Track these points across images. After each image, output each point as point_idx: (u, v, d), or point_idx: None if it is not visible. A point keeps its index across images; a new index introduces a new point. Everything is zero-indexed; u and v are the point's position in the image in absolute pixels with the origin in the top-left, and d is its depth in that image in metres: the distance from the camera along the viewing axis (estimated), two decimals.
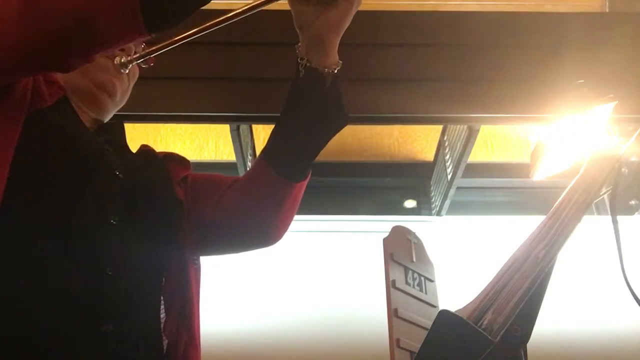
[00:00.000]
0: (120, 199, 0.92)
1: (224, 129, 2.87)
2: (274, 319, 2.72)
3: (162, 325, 0.95)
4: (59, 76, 0.95)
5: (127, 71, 1.05)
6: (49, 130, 0.88)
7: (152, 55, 1.00)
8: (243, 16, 0.88)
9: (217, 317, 2.58)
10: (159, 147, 1.20)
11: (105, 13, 0.74)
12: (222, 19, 0.90)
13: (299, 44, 0.99)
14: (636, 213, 3.07)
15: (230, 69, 2.04)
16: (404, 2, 2.20)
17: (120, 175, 0.94)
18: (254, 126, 3.06)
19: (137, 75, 1.12)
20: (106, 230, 0.88)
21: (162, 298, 0.97)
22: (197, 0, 0.78)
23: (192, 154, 3.09)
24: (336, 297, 2.78)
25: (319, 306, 2.77)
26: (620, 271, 0.88)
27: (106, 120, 1.09)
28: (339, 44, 1.00)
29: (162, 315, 0.96)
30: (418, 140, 3.29)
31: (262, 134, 3.20)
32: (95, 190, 0.89)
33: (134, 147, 1.13)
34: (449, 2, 2.42)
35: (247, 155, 3.01)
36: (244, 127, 2.82)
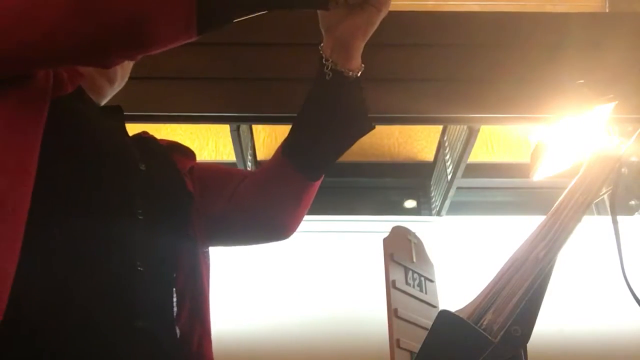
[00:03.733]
0: (144, 194, 0.90)
1: (224, 129, 2.87)
2: (273, 318, 2.72)
3: (174, 317, 0.94)
4: None
5: None
6: (74, 119, 0.85)
7: None
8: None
9: (215, 316, 2.58)
10: None
11: (161, 17, 0.73)
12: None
13: (322, 45, 0.98)
14: (636, 213, 3.07)
15: (230, 69, 2.04)
16: (405, 2, 2.20)
17: (142, 168, 0.93)
18: (254, 126, 3.06)
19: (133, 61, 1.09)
20: (134, 226, 0.86)
21: (174, 290, 0.96)
22: (250, 10, 0.78)
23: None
24: (336, 297, 2.78)
25: (319, 306, 2.77)
26: (620, 271, 0.88)
27: (102, 103, 1.06)
28: None
29: (174, 308, 0.95)
30: (418, 140, 3.29)
31: (262, 133, 3.20)
32: (123, 185, 0.87)
33: None
34: (449, 2, 2.42)
35: (247, 155, 3.01)
36: (244, 127, 2.83)
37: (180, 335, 0.94)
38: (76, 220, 0.79)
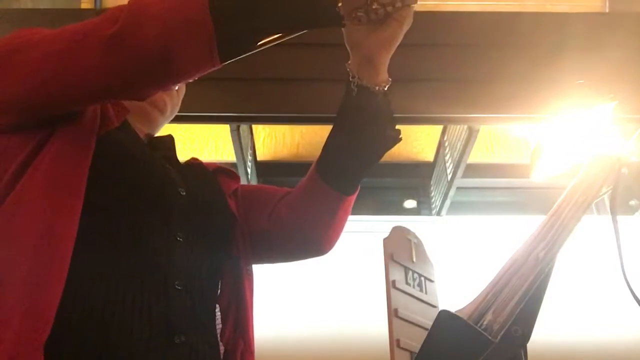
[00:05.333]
0: (183, 216, 0.96)
1: (224, 129, 2.87)
2: (272, 318, 2.72)
3: (218, 333, 0.99)
4: None
5: (177, 87, 1.11)
6: (119, 152, 0.92)
7: None
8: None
9: None
10: None
11: (185, 48, 0.79)
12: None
13: (350, 62, 1.00)
14: (636, 213, 3.07)
15: (231, 69, 2.03)
16: None
17: (183, 193, 0.98)
18: (254, 126, 3.07)
19: (184, 91, 1.18)
20: (173, 247, 0.92)
21: (217, 307, 1.01)
22: (268, 35, 0.84)
23: (192, 154, 3.08)
24: (336, 297, 2.78)
25: (319, 306, 2.78)
26: (620, 271, 0.88)
27: (156, 133, 1.15)
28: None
29: (218, 324, 1.00)
30: (418, 140, 3.30)
31: (262, 133, 3.21)
32: (163, 210, 0.93)
33: None
34: (449, 2, 2.42)
35: (247, 155, 3.01)
36: (244, 127, 2.83)
37: (224, 351, 0.99)
38: (117, 247, 0.86)
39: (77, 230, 0.80)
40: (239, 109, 2.06)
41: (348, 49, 1.00)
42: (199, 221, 0.99)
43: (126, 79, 0.82)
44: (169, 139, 1.17)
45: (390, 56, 1.00)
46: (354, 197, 1.10)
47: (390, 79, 1.02)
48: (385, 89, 1.01)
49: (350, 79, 0.99)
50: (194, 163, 1.17)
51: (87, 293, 0.81)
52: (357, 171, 1.07)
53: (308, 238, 1.12)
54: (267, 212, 1.11)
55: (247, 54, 0.86)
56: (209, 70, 0.84)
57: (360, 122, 1.01)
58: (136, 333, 0.82)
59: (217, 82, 2.03)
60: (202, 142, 3.16)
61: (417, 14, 0.97)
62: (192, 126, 3.00)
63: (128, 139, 0.97)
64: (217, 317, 1.01)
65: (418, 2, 0.94)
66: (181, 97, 1.18)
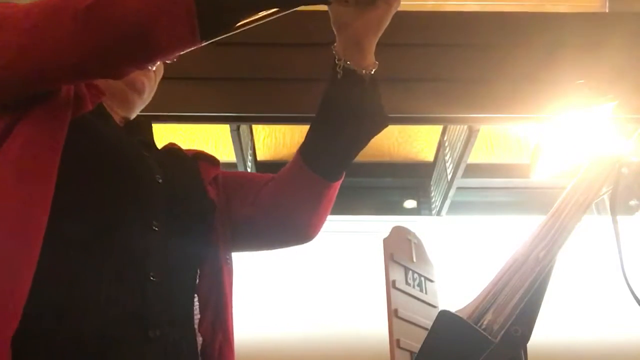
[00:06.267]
0: (160, 205, 0.92)
1: (224, 129, 2.87)
2: (272, 318, 2.72)
3: (196, 324, 0.95)
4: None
5: (154, 68, 1.06)
6: (93, 137, 0.88)
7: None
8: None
9: None
10: None
11: (164, 24, 0.76)
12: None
13: (335, 44, 0.98)
14: (636, 213, 3.07)
15: (231, 69, 2.04)
16: (404, 2, 2.19)
17: (160, 180, 0.94)
18: (254, 126, 3.07)
19: (162, 72, 1.12)
20: (149, 237, 0.88)
21: (195, 297, 0.97)
22: (251, 12, 0.80)
23: None
24: (336, 298, 2.78)
25: (319, 306, 2.77)
26: (621, 271, 0.88)
27: (133, 117, 1.09)
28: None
29: (196, 314, 0.96)
30: (418, 141, 3.30)
31: (262, 133, 3.21)
32: (138, 198, 0.89)
33: None
34: (449, 2, 2.42)
35: (247, 155, 3.02)
36: (244, 127, 2.83)
37: (202, 343, 0.95)
38: (89, 236, 0.82)
39: (48, 219, 0.75)
40: (239, 109, 2.06)
41: (334, 30, 0.97)
42: (177, 209, 0.94)
43: (102, 55, 0.78)
44: (146, 123, 1.10)
45: (377, 38, 0.97)
46: (339, 183, 1.07)
47: (377, 62, 0.99)
48: (372, 72, 0.98)
49: (336, 62, 0.96)
50: (172, 148, 1.12)
51: (57, 284, 0.77)
52: (343, 157, 1.04)
53: (292, 225, 1.09)
54: (250, 199, 1.08)
55: (229, 34, 0.81)
56: (190, 48, 0.80)
57: (347, 106, 0.98)
58: (109, 327, 0.78)
59: (217, 82, 2.03)
60: (202, 142, 3.16)
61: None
62: (192, 126, 3.00)
63: (103, 123, 0.93)
64: (195, 308, 0.97)
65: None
66: (159, 79, 1.11)
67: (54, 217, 0.76)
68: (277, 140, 3.22)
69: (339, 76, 0.97)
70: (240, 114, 2.08)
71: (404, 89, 2.00)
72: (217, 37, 0.81)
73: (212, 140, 3.18)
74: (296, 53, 2.05)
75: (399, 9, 0.99)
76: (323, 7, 0.91)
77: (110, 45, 0.77)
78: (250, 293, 2.71)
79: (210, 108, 2.03)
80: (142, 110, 1.11)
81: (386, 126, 1.02)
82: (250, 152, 3.08)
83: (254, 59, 2.05)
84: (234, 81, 2.04)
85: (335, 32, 0.97)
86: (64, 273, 0.78)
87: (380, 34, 0.97)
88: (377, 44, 0.99)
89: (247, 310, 2.67)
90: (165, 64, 1.04)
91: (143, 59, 0.84)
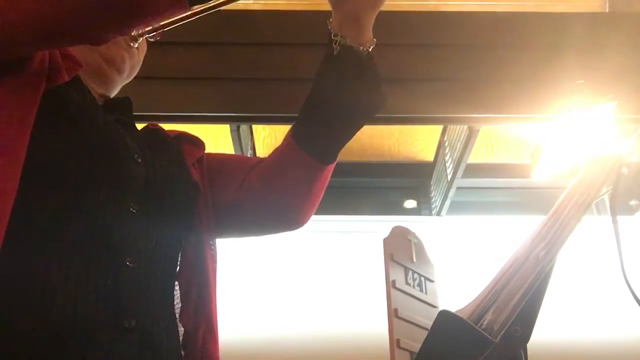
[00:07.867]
0: (138, 186, 0.87)
1: (224, 129, 2.87)
2: (272, 318, 2.72)
3: (177, 314, 0.90)
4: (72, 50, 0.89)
5: (137, 45, 1.01)
6: (67, 110, 0.83)
7: (162, 30, 0.95)
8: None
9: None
10: None
11: None
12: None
13: (331, 20, 0.94)
14: (636, 213, 3.07)
15: (231, 69, 2.04)
16: (405, 2, 2.20)
17: (139, 160, 0.89)
18: (254, 126, 3.06)
19: (145, 50, 1.07)
20: (125, 220, 0.82)
21: (176, 285, 0.92)
22: None
23: None
24: (336, 297, 2.78)
25: (319, 306, 2.77)
26: (620, 271, 0.88)
27: (112, 95, 1.04)
28: None
29: (177, 303, 0.91)
30: (418, 140, 3.29)
31: (262, 133, 3.20)
32: (115, 178, 0.84)
33: None
34: (449, 2, 2.41)
35: (247, 155, 3.01)
36: (244, 127, 2.83)
37: (184, 332, 0.90)
38: (61, 217, 0.76)
39: (16, 197, 0.70)
40: (239, 109, 2.05)
41: (330, 5, 0.93)
42: (156, 191, 0.89)
43: (82, 16, 0.73)
44: (126, 102, 1.03)
45: (376, 14, 0.93)
46: (332, 166, 1.02)
47: (375, 40, 0.95)
48: (370, 49, 0.94)
49: (333, 37, 0.92)
50: (152, 129, 1.06)
51: (25, 269, 0.71)
52: (338, 138, 1.00)
53: (282, 210, 1.04)
54: (237, 182, 1.03)
55: (217, 2, 0.78)
56: (177, 16, 0.76)
57: (343, 84, 0.93)
58: (80, 316, 0.72)
59: (217, 82, 2.03)
60: None
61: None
62: (192, 126, 3.00)
63: (79, 97, 0.87)
64: (176, 296, 0.91)
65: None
66: (142, 56, 1.06)
67: (23, 193, 0.71)
68: (277, 140, 3.22)
69: (335, 52, 0.93)
70: (240, 114, 2.08)
71: (404, 89, 2.00)
72: (204, 2, 0.77)
73: (212, 140, 3.18)
74: (297, 53, 2.04)
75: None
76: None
77: (90, 7, 0.73)
78: (250, 293, 2.71)
79: (210, 108, 2.03)
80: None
81: (384, 106, 0.97)
82: (250, 152, 3.07)
83: (254, 59, 2.05)
84: (234, 81, 2.04)
85: (332, 7, 0.93)
86: (32, 257, 0.73)
87: (378, 9, 0.93)
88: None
89: (246, 310, 2.67)
90: (155, 39, 1.00)
91: (126, 23, 0.78)
